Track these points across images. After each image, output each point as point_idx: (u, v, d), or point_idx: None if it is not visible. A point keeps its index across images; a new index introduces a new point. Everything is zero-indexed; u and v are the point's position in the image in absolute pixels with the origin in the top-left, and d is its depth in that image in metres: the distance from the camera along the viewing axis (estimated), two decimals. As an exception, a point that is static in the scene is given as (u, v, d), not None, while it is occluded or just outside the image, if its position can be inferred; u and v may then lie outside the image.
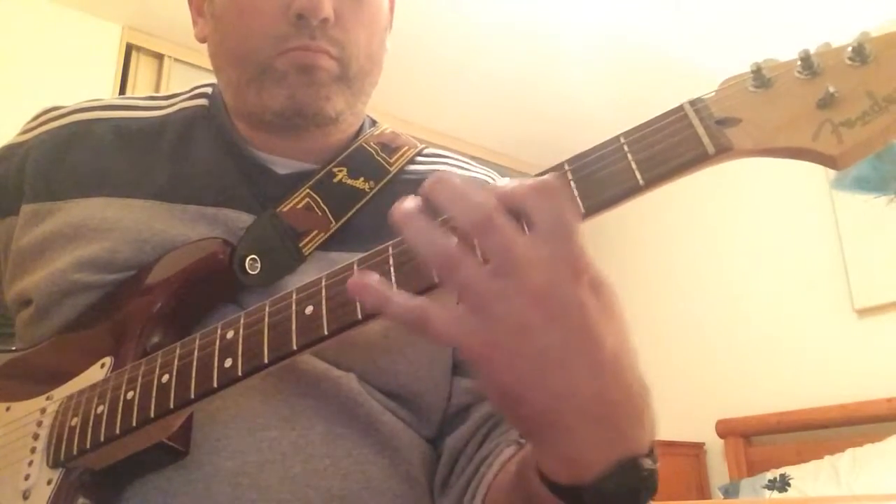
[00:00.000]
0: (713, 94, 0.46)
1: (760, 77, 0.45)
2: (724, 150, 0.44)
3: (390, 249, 0.50)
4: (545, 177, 0.44)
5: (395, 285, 0.48)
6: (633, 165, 0.45)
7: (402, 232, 0.44)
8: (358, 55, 0.71)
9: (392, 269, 0.49)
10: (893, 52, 0.42)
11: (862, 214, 2.91)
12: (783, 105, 0.44)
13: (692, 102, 0.46)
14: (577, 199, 0.46)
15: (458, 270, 0.42)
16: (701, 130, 0.44)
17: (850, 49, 0.43)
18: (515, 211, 0.43)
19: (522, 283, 0.41)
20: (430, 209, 0.44)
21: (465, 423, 0.69)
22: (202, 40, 0.77)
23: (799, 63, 0.44)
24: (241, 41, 0.70)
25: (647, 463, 0.45)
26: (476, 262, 0.42)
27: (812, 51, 0.44)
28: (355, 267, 0.51)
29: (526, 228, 0.43)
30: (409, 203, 0.43)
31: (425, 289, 0.47)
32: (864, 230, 2.90)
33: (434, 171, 0.78)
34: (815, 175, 3.04)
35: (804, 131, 0.43)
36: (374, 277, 0.45)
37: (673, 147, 0.44)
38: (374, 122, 0.82)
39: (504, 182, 0.45)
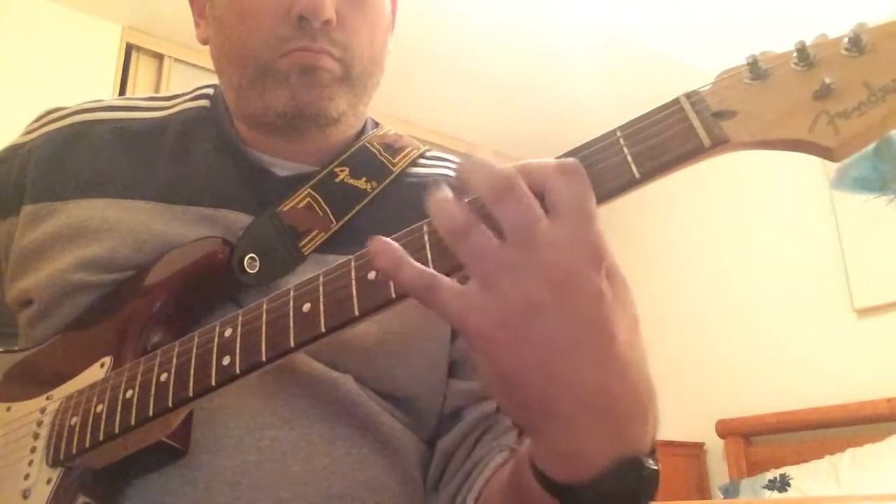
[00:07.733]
0: (709, 86, 0.46)
1: (756, 69, 0.44)
2: (720, 143, 0.44)
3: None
4: (568, 159, 0.44)
5: None
6: (629, 159, 0.44)
7: (428, 211, 0.43)
8: (360, 56, 0.71)
9: None
10: (890, 43, 0.42)
11: (862, 214, 2.91)
12: (779, 97, 0.43)
13: (688, 95, 0.45)
14: None
15: (468, 238, 0.41)
16: (697, 123, 0.44)
17: (846, 40, 0.43)
18: (536, 190, 0.43)
19: (536, 257, 0.40)
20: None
21: (457, 426, 0.68)
22: (204, 42, 0.77)
23: (795, 54, 0.44)
24: (242, 43, 0.69)
25: (649, 463, 0.44)
26: (487, 232, 0.42)
27: (808, 42, 0.44)
28: (352, 263, 0.51)
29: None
30: (444, 189, 0.43)
31: None
32: (864, 230, 2.90)
33: (437, 173, 0.78)
34: (814, 175, 3.04)
35: (800, 123, 0.42)
36: (395, 244, 0.44)
37: (669, 140, 0.44)
38: (376, 124, 0.81)
39: (527, 161, 0.44)
